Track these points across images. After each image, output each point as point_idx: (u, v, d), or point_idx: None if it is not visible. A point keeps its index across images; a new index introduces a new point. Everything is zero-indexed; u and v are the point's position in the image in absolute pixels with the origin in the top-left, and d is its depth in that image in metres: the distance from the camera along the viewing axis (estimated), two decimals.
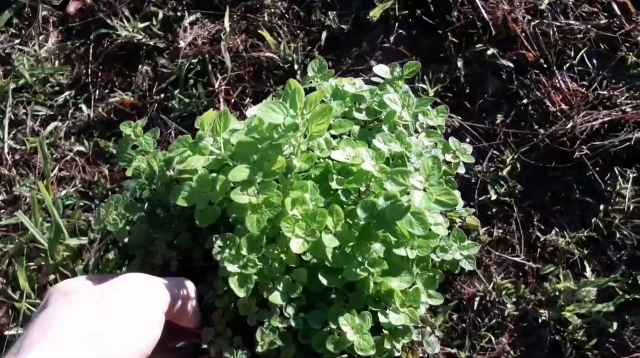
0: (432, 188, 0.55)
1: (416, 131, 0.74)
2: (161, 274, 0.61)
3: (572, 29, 1.10)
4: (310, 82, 0.78)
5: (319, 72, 0.79)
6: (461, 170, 0.72)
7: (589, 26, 1.10)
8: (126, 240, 0.67)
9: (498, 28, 1.12)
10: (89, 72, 1.22)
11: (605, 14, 1.13)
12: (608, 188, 0.96)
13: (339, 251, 0.60)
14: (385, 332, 0.59)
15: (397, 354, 0.59)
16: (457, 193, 0.73)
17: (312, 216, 0.59)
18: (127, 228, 0.65)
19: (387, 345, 0.57)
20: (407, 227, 0.58)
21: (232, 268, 0.58)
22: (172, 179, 0.66)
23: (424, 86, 1.09)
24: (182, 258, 0.67)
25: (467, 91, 1.08)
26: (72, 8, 1.29)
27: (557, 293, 0.89)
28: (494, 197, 0.96)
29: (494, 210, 0.95)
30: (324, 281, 0.58)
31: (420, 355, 0.64)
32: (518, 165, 0.99)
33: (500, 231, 0.94)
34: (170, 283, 0.58)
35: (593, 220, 0.94)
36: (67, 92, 1.20)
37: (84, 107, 1.18)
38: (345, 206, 0.63)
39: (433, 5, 1.16)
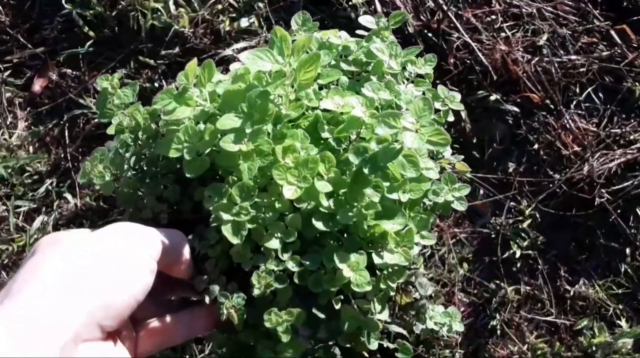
0: (423, 129, 0.55)
1: (405, 81, 0.73)
2: (150, 220, 0.60)
3: (574, 63, 1.06)
4: (295, 35, 0.77)
5: (303, 25, 0.77)
6: (450, 118, 0.73)
7: (591, 59, 1.06)
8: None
9: (498, 71, 1.07)
10: (68, 157, 1.10)
11: (605, 44, 1.08)
12: (632, 231, 0.93)
13: (333, 196, 0.60)
14: (380, 273, 0.60)
15: (392, 294, 0.60)
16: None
17: (304, 163, 0.58)
18: (114, 182, 0.64)
19: (383, 285, 0.58)
20: (399, 169, 0.58)
21: (225, 216, 0.58)
22: (158, 132, 0.65)
23: None
24: (172, 212, 0.66)
25: (474, 140, 1.02)
26: (37, 86, 1.14)
27: (593, 348, 0.86)
28: (518, 253, 0.92)
29: (518, 265, 0.92)
30: (318, 226, 0.58)
31: (415, 296, 0.65)
32: (537, 215, 0.95)
33: (528, 287, 0.90)
34: (161, 232, 0.57)
35: (620, 266, 0.91)
36: (47, 182, 1.08)
37: (69, 196, 1.07)
38: (336, 154, 0.63)
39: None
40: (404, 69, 0.73)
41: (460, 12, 1.16)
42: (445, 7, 1.14)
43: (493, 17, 1.16)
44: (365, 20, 0.76)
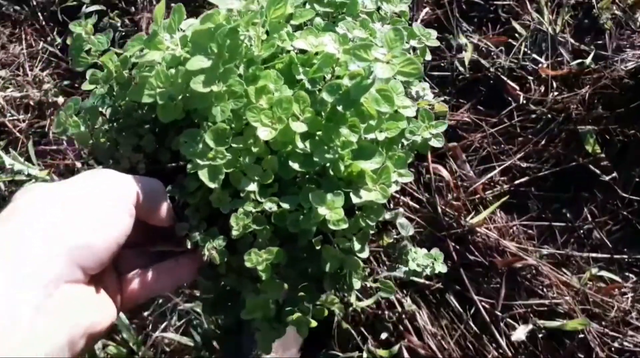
0: (395, 59, 0.54)
1: (380, 20, 0.71)
2: (130, 171, 0.59)
3: None
4: None
5: None
6: (428, 57, 0.71)
7: None
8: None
9: None
10: None
11: None
12: None
13: (309, 137, 0.59)
14: (359, 212, 0.60)
15: (371, 232, 0.60)
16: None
17: (277, 103, 0.58)
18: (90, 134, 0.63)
19: (362, 224, 0.59)
20: (373, 105, 0.57)
21: (201, 161, 0.57)
22: (130, 79, 0.64)
23: None
24: (150, 162, 0.65)
25: None
26: None
27: None
28: None
29: None
30: (295, 167, 0.58)
31: (395, 236, 0.66)
32: None
33: None
34: (138, 179, 0.57)
35: None
36: None
37: None
38: (312, 96, 0.62)
39: None
40: (379, 9, 0.71)
41: None
42: None
43: None
44: None
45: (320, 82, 0.63)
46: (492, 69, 0.88)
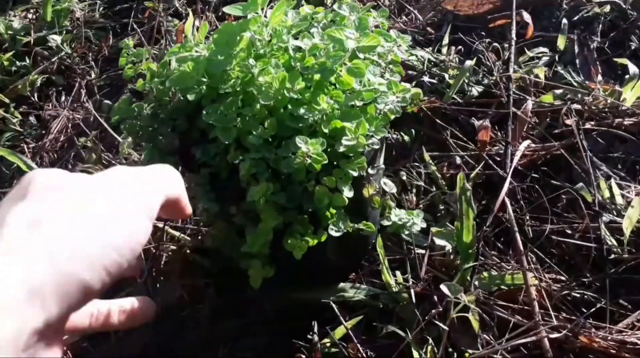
0: (361, 38, 0.71)
1: None
2: (167, 147, 0.77)
3: None
4: None
5: None
6: (403, 56, 0.88)
7: None
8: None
9: None
10: None
11: None
12: None
13: (300, 104, 0.76)
14: (343, 160, 0.73)
15: (354, 174, 0.73)
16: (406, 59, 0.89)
17: (276, 79, 0.75)
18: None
19: (345, 168, 0.72)
20: (350, 76, 0.74)
21: (217, 123, 0.74)
22: (168, 76, 0.84)
23: None
24: (182, 139, 0.83)
25: None
26: None
27: None
28: None
29: None
30: (291, 124, 0.73)
31: (377, 189, 0.77)
32: None
33: None
34: (157, 172, 0.46)
35: None
36: None
37: None
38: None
39: None
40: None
41: None
42: None
43: None
44: None
45: (311, 69, 0.81)
46: None
